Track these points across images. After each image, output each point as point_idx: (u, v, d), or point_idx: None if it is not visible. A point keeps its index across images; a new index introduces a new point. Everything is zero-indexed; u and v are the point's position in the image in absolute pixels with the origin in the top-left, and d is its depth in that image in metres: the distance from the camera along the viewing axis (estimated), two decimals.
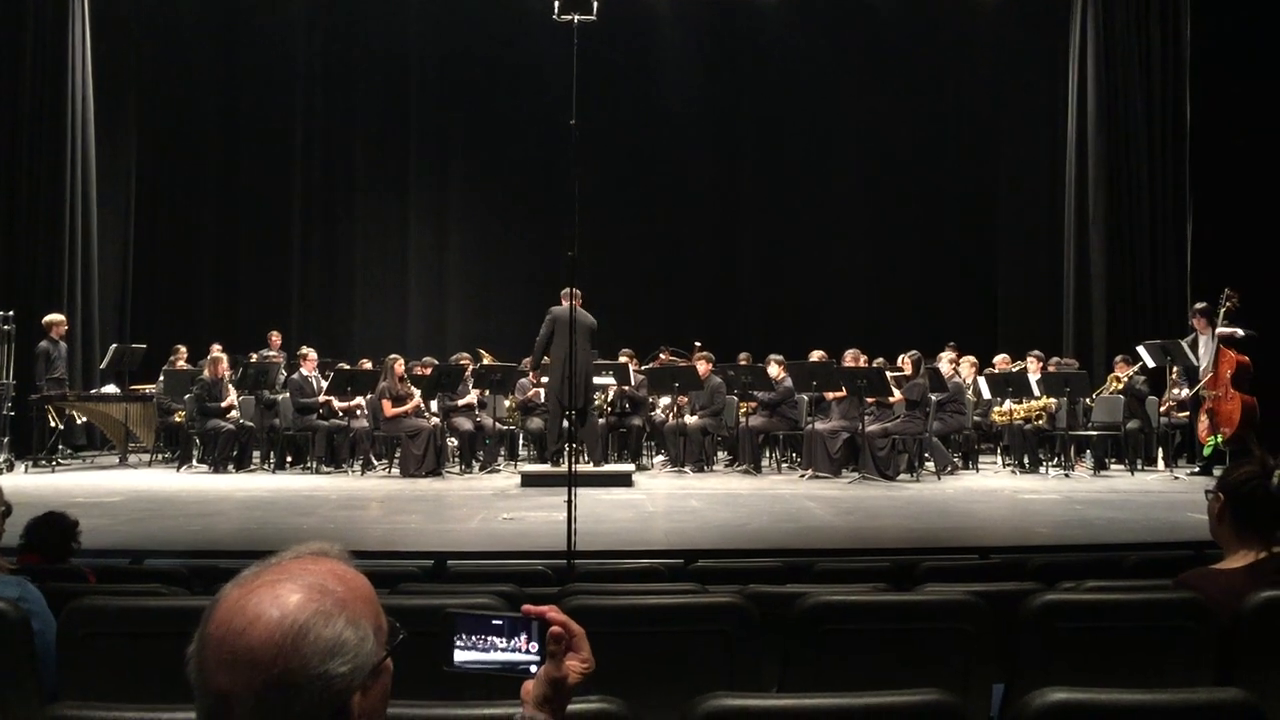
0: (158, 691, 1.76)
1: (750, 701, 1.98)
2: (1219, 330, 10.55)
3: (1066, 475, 11.10)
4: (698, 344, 12.95)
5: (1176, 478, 10.86)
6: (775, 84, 16.44)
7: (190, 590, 3.84)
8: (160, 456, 12.38)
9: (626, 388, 11.88)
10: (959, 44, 16.07)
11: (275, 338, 13.85)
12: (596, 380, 11.09)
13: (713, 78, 16.51)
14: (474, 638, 1.53)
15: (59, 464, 11.69)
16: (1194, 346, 10.95)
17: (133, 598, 3.23)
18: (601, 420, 11.38)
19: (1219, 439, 10.53)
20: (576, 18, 7.26)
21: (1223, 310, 10.54)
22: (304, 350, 12.17)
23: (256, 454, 11.93)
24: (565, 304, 10.00)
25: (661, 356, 13.34)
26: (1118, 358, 12.08)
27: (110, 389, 12.63)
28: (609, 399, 11.87)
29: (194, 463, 11.69)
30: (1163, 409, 11.69)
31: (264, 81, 16.13)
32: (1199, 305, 10.99)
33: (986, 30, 15.87)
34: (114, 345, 13.21)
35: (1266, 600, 2.66)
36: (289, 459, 11.82)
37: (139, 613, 2.92)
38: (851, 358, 11.60)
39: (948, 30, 16.03)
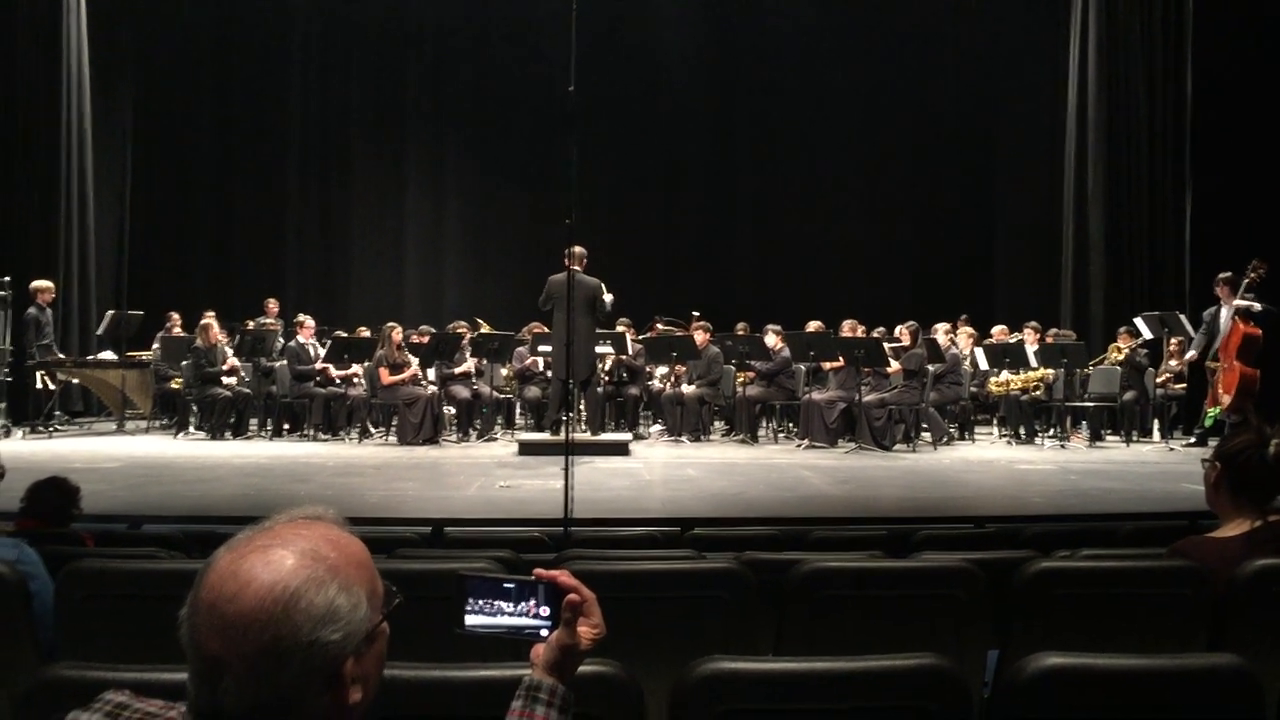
0: (155, 653, 1.76)
1: (746, 665, 1.99)
2: (1236, 302, 10.44)
3: (1062, 446, 11.13)
4: (695, 313, 12.94)
5: (1172, 449, 10.89)
6: (774, 53, 16.33)
7: (188, 555, 3.85)
8: (157, 423, 12.38)
9: (624, 357, 11.88)
10: (959, 14, 15.96)
11: (272, 305, 13.83)
12: (596, 349, 11.07)
13: (710, 46, 16.40)
14: (484, 601, 1.52)
15: (56, 430, 11.68)
16: (1216, 316, 10.82)
17: (130, 560, 3.24)
18: (599, 389, 11.38)
19: (1219, 409, 10.52)
20: None
21: (1246, 281, 10.42)
22: (301, 318, 12.14)
23: (254, 421, 11.95)
24: (571, 266, 9.94)
25: (658, 326, 13.33)
26: (1121, 329, 12.08)
27: (107, 355, 12.61)
28: (606, 368, 11.87)
29: (191, 429, 11.70)
30: (1160, 381, 11.70)
31: (260, 47, 16.05)
32: (1223, 275, 10.73)
33: (988, 2, 15.76)
34: (110, 311, 13.17)
35: (1262, 568, 2.67)
36: (286, 426, 11.84)
37: (136, 576, 2.93)
38: (849, 328, 11.61)
39: (949, 2, 15.94)
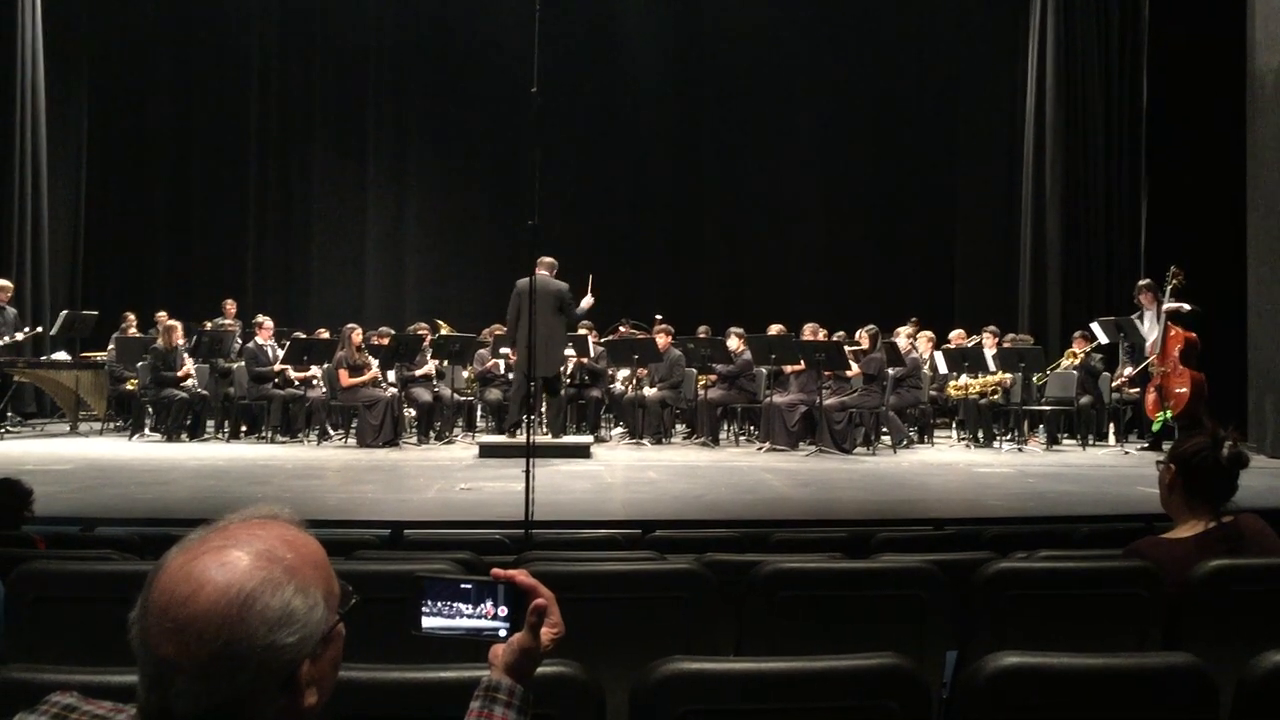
0: (106, 655, 1.73)
1: (706, 665, 1.99)
2: (1165, 306, 10.69)
3: (1020, 449, 11.23)
4: (658, 316, 12.95)
5: (1127, 452, 11.01)
6: (739, 56, 16.41)
7: (141, 558, 3.80)
8: (112, 425, 12.21)
9: (585, 360, 11.86)
10: (920, 19, 16.09)
11: (230, 306, 13.66)
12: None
13: (675, 49, 16.45)
14: (442, 603, 1.51)
15: (8, 432, 11.50)
16: (1139, 321, 11.12)
17: (82, 562, 3.18)
18: (560, 392, 11.35)
19: (1168, 414, 10.67)
20: None
21: (1168, 288, 10.68)
22: (260, 319, 12.03)
23: (210, 423, 11.81)
24: (539, 272, 9.96)
25: (621, 329, 13.32)
26: (1076, 334, 12.23)
27: (61, 356, 12.42)
28: (568, 371, 11.84)
29: (146, 431, 11.54)
30: (1115, 385, 11.85)
31: (220, 47, 15.88)
32: (1144, 281, 11.18)
33: (948, 5, 15.90)
34: (64, 312, 12.97)
35: (1215, 568, 2.70)
36: (244, 429, 11.71)
37: (87, 577, 2.88)
38: (810, 331, 11.66)
39: (910, 5, 16.06)
